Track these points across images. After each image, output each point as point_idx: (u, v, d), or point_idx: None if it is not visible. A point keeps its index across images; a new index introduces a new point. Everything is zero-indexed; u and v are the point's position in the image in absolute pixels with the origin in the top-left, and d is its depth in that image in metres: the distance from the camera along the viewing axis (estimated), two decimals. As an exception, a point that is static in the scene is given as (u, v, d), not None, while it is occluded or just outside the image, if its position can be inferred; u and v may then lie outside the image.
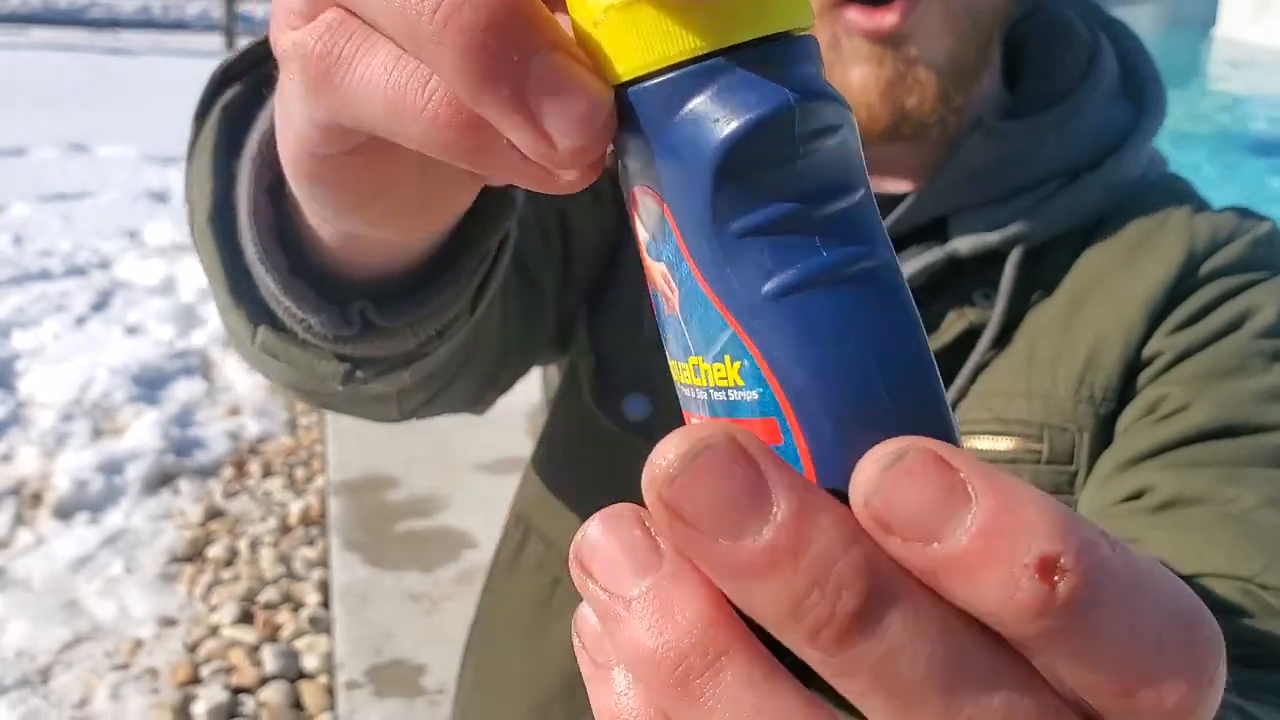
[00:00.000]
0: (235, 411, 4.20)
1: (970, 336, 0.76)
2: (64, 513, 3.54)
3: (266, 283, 0.56)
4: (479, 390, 0.84)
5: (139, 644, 3.02)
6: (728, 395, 0.32)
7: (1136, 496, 0.73)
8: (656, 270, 0.34)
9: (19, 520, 3.52)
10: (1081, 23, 0.84)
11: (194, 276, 5.18)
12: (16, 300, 4.89)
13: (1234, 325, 0.76)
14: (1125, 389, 0.76)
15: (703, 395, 0.33)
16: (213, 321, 4.81)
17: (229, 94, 0.63)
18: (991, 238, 0.76)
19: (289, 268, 0.56)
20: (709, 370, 0.33)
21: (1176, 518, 0.72)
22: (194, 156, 0.67)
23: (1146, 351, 0.76)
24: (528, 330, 0.84)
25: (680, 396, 0.35)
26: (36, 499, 3.62)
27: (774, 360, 0.31)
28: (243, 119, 0.61)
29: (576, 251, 0.86)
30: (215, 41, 11.11)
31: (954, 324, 0.77)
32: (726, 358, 0.32)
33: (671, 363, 0.35)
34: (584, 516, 0.30)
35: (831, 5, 0.69)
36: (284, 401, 4.33)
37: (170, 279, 5.19)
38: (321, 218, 0.49)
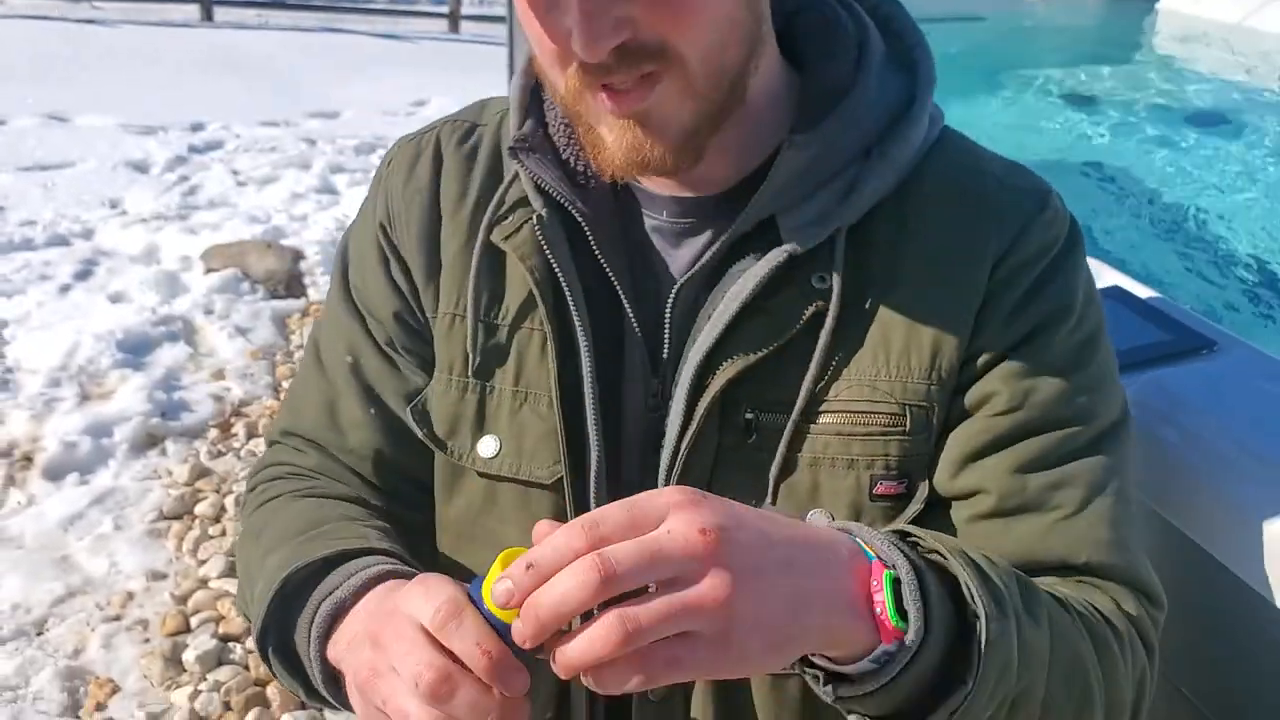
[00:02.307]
0: (219, 375, 4.30)
1: (819, 318, 0.86)
2: (54, 474, 3.64)
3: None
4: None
5: (130, 596, 3.13)
6: None
7: (975, 494, 0.86)
8: None
9: (10, 481, 3.62)
10: (842, 6, 0.94)
11: (176, 244, 5.27)
12: (1, 269, 4.96)
13: (1050, 319, 0.88)
14: (964, 371, 0.87)
15: None
16: (195, 288, 4.90)
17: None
18: (815, 229, 0.86)
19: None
20: None
21: (1015, 525, 0.85)
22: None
23: (977, 344, 0.87)
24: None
25: None
26: (27, 460, 3.72)
27: None
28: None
29: (409, 367, 1.00)
30: (191, 11, 11.09)
31: (802, 311, 0.86)
32: None
33: None
34: None
35: (588, 88, 0.80)
36: (267, 365, 4.43)
37: (152, 247, 5.27)
38: None
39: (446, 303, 0.95)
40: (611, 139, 0.82)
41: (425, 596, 0.70)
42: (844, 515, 0.84)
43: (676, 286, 0.89)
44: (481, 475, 0.92)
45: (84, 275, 4.96)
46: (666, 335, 0.89)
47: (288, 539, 0.90)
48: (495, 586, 0.65)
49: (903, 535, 0.76)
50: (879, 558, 0.71)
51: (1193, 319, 1.17)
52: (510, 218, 0.91)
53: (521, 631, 0.64)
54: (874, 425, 0.85)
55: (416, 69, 9.31)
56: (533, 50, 0.84)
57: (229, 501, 3.55)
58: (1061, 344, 0.88)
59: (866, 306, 0.87)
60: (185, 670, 2.86)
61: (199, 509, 3.51)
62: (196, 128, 7.21)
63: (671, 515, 0.65)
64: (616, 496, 0.81)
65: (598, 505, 0.84)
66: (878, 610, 0.68)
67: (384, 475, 0.99)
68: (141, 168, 6.46)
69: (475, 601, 0.69)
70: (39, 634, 2.99)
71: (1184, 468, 0.99)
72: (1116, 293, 1.22)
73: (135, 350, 4.34)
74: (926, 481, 0.87)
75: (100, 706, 2.74)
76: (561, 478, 0.87)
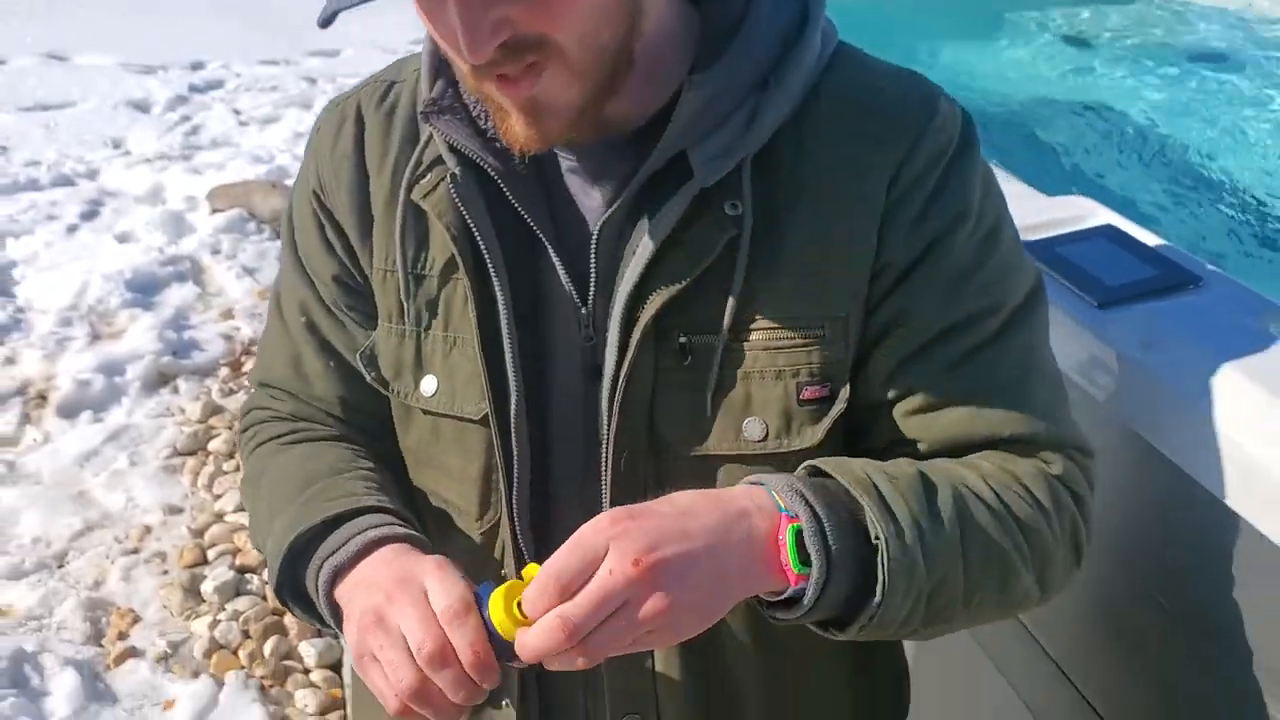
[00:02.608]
0: (228, 315, 4.35)
1: (734, 244, 0.91)
2: (68, 411, 3.71)
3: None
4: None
5: (147, 530, 3.21)
6: None
7: (904, 396, 0.94)
8: None
9: (25, 419, 3.68)
10: None
11: (180, 185, 5.29)
12: (7, 209, 4.99)
13: (950, 226, 0.93)
14: (875, 283, 0.93)
15: None
16: (201, 228, 4.93)
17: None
18: (722, 161, 0.90)
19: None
20: None
21: (942, 417, 0.93)
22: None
23: (884, 256, 0.92)
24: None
25: None
26: (41, 399, 3.78)
27: None
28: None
29: (355, 323, 1.07)
30: (187, -53, 10.98)
31: (718, 240, 0.91)
32: None
33: None
34: None
35: (481, 78, 0.86)
36: (274, 304, 4.48)
37: (157, 187, 5.29)
38: None
39: (379, 258, 1.01)
40: (513, 119, 0.88)
41: (442, 586, 0.84)
42: (776, 421, 0.93)
43: (598, 225, 0.94)
44: (425, 412, 1.01)
45: (90, 215, 4.99)
46: (593, 271, 0.94)
47: (289, 500, 1.00)
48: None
49: (815, 470, 0.87)
50: (785, 509, 0.82)
51: (1180, 255, 1.22)
52: (428, 176, 0.96)
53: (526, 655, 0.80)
54: (796, 338, 0.92)
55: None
56: None
57: (241, 438, 3.62)
58: (963, 246, 0.93)
59: (778, 228, 0.92)
60: (204, 601, 2.94)
61: (212, 445, 3.58)
62: (196, 66, 7.19)
63: (610, 550, 0.78)
64: (543, 428, 0.96)
65: (518, 438, 0.95)
66: (784, 562, 0.81)
67: (351, 415, 1.09)
68: (143, 107, 6.46)
69: (480, 602, 0.82)
70: (60, 566, 3.07)
71: (1169, 397, 1.05)
72: (1108, 231, 1.27)
73: (144, 290, 4.39)
74: (848, 384, 0.94)
75: (123, 635, 2.83)
76: (487, 415, 0.95)
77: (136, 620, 2.88)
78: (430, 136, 0.96)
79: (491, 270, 0.93)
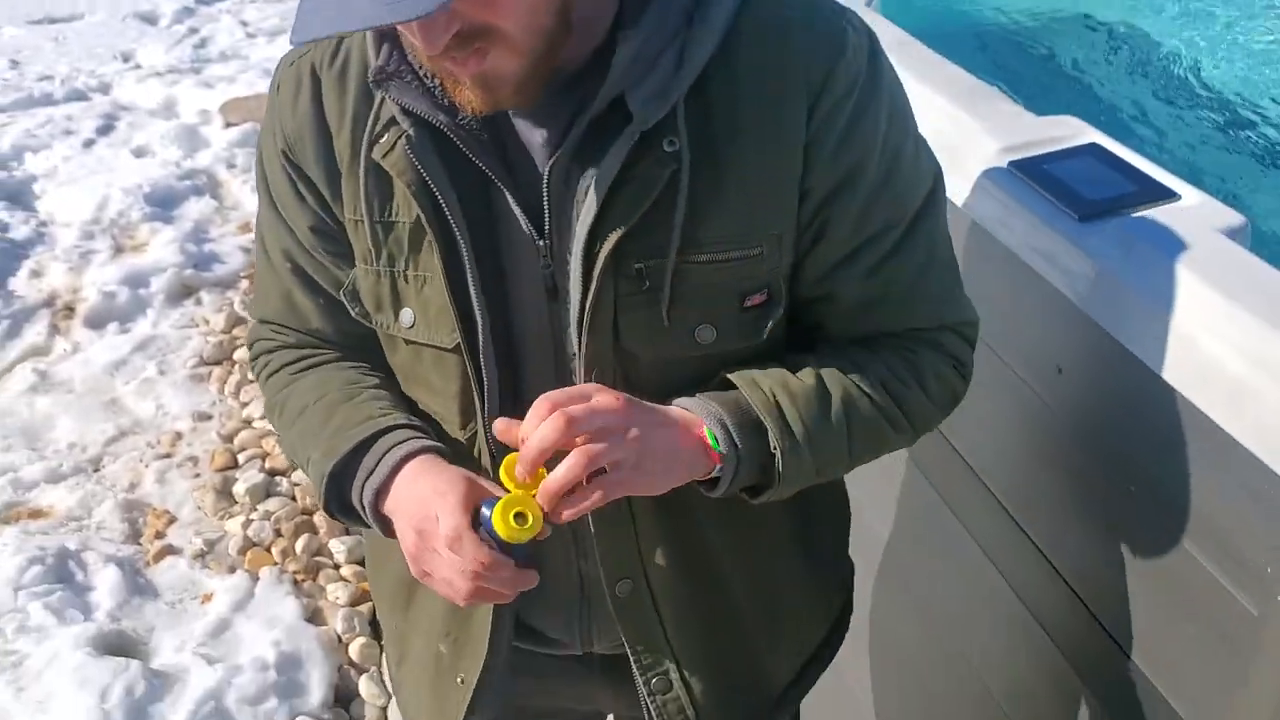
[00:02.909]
0: (246, 228, 4.43)
1: (676, 176, 1.00)
2: (95, 322, 3.82)
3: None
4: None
5: (178, 436, 3.34)
6: None
7: (830, 299, 1.09)
8: None
9: (55, 330, 3.80)
10: None
11: (192, 98, 5.34)
12: (24, 124, 5.05)
13: (865, 153, 1.03)
14: (803, 203, 1.04)
15: None
16: (215, 142, 4.99)
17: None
18: (658, 102, 0.98)
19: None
20: None
21: (865, 317, 1.10)
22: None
23: (808, 180, 1.03)
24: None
25: None
26: (69, 310, 3.89)
27: None
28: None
29: (336, 265, 1.15)
30: None
31: (660, 175, 0.99)
32: None
33: None
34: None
35: (435, 60, 0.94)
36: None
37: (170, 100, 5.34)
38: None
39: (349, 208, 1.09)
40: (465, 87, 0.96)
41: (443, 518, 0.99)
42: (724, 325, 1.05)
43: (548, 167, 1.02)
44: (406, 341, 1.12)
45: (106, 130, 5.05)
46: (546, 206, 1.04)
47: (317, 432, 1.13)
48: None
49: (729, 384, 1.05)
50: (702, 417, 1.03)
51: (1159, 173, 1.31)
52: (385, 136, 1.04)
53: (520, 468, 0.95)
54: (737, 254, 1.04)
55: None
56: None
57: (264, 348, 3.74)
58: (876, 168, 1.04)
59: (714, 159, 1.01)
60: (236, 502, 3.08)
61: (237, 355, 3.69)
62: (202, -23, 7.17)
63: (597, 393, 0.97)
64: (512, 349, 1.09)
65: (487, 362, 1.06)
66: (709, 447, 1.02)
67: (346, 340, 1.20)
68: (150, 19, 6.47)
69: (485, 518, 0.97)
70: (96, 470, 3.20)
71: (1139, 303, 1.15)
72: (1093, 149, 1.35)
73: (163, 204, 4.47)
74: (784, 290, 1.08)
75: (159, 535, 2.97)
76: (459, 344, 1.06)
77: (172, 520, 3.03)
78: (383, 99, 1.04)
79: (450, 218, 1.03)
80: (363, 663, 2.62)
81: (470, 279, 1.04)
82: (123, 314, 3.85)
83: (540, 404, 0.95)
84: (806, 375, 1.06)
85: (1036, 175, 1.30)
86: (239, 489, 3.10)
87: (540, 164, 1.03)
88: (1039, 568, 1.34)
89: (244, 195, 4.66)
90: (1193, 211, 1.24)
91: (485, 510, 0.97)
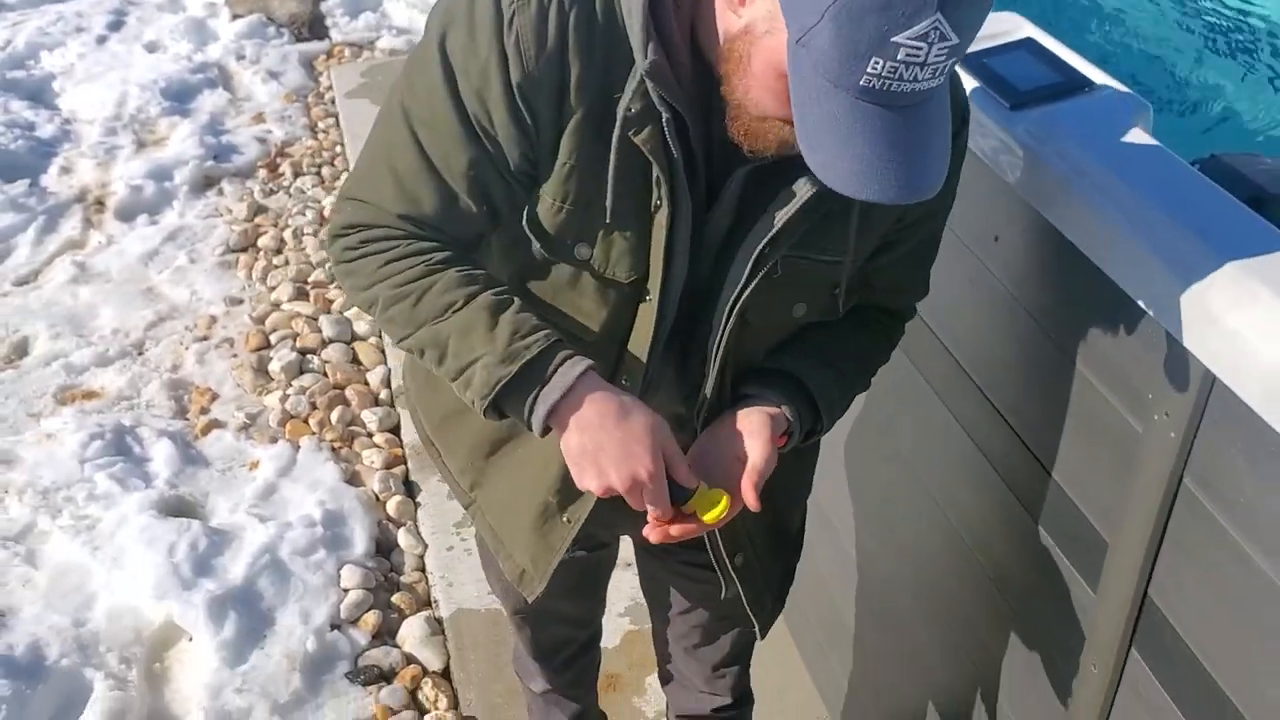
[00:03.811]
0: (259, 119, 4.61)
1: (847, 207, 1.21)
2: (125, 215, 4.03)
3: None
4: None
5: (213, 320, 3.58)
6: None
7: (869, 284, 1.38)
8: None
9: (88, 224, 4.01)
10: None
11: (197, -10, 5.45)
12: (36, 23, 5.18)
13: (946, 194, 1.30)
14: (891, 226, 1.31)
15: None
16: (224, 35, 5.13)
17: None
18: None
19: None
20: None
21: (887, 298, 1.44)
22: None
23: (904, 214, 1.29)
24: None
25: None
26: (100, 204, 4.10)
27: None
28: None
29: (522, 187, 1.26)
30: None
31: (822, 210, 1.19)
32: None
33: None
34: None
35: (770, 120, 1.10)
36: (302, 107, 4.73)
37: (175, -7, 5.46)
38: None
39: (566, 154, 1.20)
40: (762, 142, 1.13)
41: (644, 451, 1.20)
42: (814, 306, 1.33)
43: (744, 170, 1.21)
44: (571, 268, 1.28)
45: (117, 26, 5.18)
46: (725, 191, 1.23)
47: (486, 335, 1.23)
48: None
49: (800, 383, 1.34)
50: (788, 417, 1.32)
51: (1083, 64, 1.51)
52: (640, 120, 1.16)
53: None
54: (838, 260, 1.28)
55: None
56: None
57: (287, 235, 3.95)
58: (945, 207, 1.35)
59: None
60: (272, 379, 3.34)
61: (261, 242, 3.91)
62: None
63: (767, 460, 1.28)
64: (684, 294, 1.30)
65: (664, 300, 1.25)
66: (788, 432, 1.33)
67: (477, 243, 1.33)
68: (148, -90, 6.51)
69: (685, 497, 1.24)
70: (140, 354, 3.45)
71: (1062, 183, 1.36)
72: (1027, 44, 1.54)
73: (179, 98, 4.63)
74: (856, 282, 1.34)
75: (204, 410, 3.24)
76: (635, 281, 1.25)
77: (215, 397, 3.29)
78: (640, 84, 1.15)
79: (684, 190, 1.21)
80: (399, 518, 2.90)
81: (680, 239, 1.24)
82: (150, 206, 4.06)
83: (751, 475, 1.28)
84: (839, 380, 1.39)
85: (975, 68, 1.50)
86: (274, 367, 3.35)
87: (734, 166, 1.22)
88: (982, 407, 1.59)
89: (255, 86, 4.81)
90: (1105, 100, 1.45)
91: (684, 493, 1.25)
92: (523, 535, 1.48)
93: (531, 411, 1.22)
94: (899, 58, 0.95)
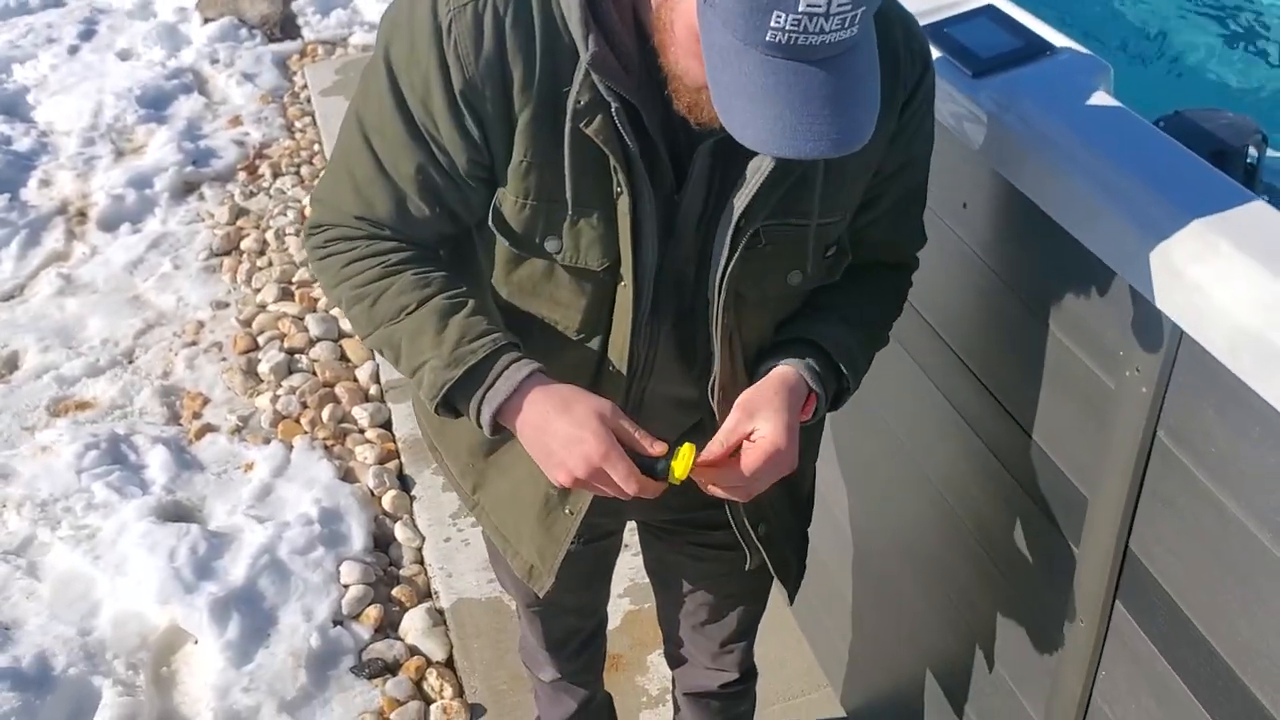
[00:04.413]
0: (236, 122, 4.60)
1: (811, 169, 1.22)
2: (108, 225, 4.04)
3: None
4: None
5: (201, 324, 3.59)
6: None
7: (863, 240, 1.38)
8: None
9: (71, 235, 4.01)
10: None
11: (167, -5, 5.43)
12: (6, 36, 5.16)
13: (924, 144, 1.32)
14: (872, 177, 1.31)
15: None
16: (196, 39, 5.12)
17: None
18: None
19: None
20: None
21: (877, 253, 1.42)
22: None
23: (881, 165, 1.29)
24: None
25: None
26: (81, 215, 4.10)
27: None
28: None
29: (472, 187, 1.28)
30: None
31: (795, 171, 1.20)
32: None
33: None
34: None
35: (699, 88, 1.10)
36: (278, 108, 4.73)
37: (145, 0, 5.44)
38: None
39: (521, 151, 1.21)
40: (708, 112, 1.11)
41: (591, 436, 1.20)
42: (810, 271, 1.32)
43: (704, 145, 1.22)
44: (544, 262, 1.29)
45: (88, 35, 5.17)
46: (692, 168, 1.24)
47: (435, 339, 1.26)
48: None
49: (817, 346, 1.34)
50: (808, 381, 1.31)
51: (1043, 28, 1.52)
52: (588, 111, 1.17)
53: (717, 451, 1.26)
54: (828, 221, 1.30)
55: None
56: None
57: (270, 236, 3.96)
58: (926, 149, 1.35)
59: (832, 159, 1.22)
60: (262, 380, 3.35)
61: (244, 244, 3.92)
62: None
63: (779, 452, 1.25)
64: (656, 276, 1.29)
65: (636, 283, 1.26)
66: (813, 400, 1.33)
67: (442, 245, 1.37)
68: (113, -84, 6.48)
69: (663, 466, 1.22)
70: (130, 362, 3.47)
71: (1021, 146, 1.38)
72: (988, 10, 1.55)
73: (155, 104, 4.63)
74: (847, 242, 1.36)
75: (197, 415, 3.25)
76: (609, 267, 1.27)
77: (206, 401, 3.30)
78: (586, 76, 1.16)
79: (640, 177, 1.21)
80: (395, 512, 2.93)
81: (645, 223, 1.24)
82: (132, 215, 4.06)
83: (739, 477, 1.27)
84: (853, 330, 1.38)
85: (938, 37, 1.52)
86: (263, 368, 3.37)
87: (692, 145, 1.23)
88: (959, 372, 1.61)
89: (229, 89, 4.81)
90: (1066, 63, 1.47)
91: (663, 462, 1.23)
92: (527, 530, 1.50)
93: (479, 414, 1.26)
94: (800, 9, 0.95)
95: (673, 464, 1.23)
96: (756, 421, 1.26)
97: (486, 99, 1.19)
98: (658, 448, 1.23)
